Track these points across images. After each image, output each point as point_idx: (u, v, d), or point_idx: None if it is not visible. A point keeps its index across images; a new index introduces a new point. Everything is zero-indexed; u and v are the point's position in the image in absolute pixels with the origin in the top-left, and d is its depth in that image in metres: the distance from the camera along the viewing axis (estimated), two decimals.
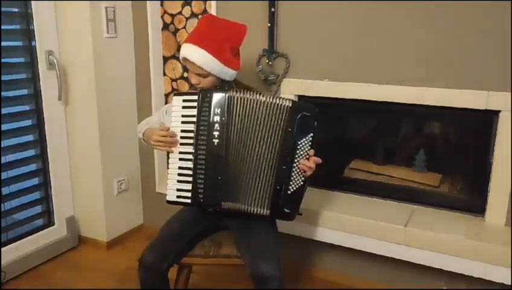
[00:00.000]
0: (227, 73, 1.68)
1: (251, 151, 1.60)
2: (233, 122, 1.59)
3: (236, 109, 1.59)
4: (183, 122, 1.63)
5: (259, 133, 1.59)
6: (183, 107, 1.63)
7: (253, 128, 1.59)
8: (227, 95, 1.59)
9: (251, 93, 1.60)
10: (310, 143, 1.59)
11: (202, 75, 1.67)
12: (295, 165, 1.59)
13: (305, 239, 2.23)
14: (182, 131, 1.63)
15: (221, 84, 1.71)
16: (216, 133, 1.59)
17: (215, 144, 1.60)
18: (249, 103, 1.59)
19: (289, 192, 1.62)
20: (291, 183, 1.61)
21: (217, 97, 1.59)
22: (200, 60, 1.62)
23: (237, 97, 1.59)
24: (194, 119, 1.61)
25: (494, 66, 1.87)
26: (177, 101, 1.64)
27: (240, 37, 1.71)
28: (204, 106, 1.60)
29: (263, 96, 1.59)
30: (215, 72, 1.65)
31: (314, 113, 1.58)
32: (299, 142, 1.58)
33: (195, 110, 1.60)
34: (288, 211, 1.64)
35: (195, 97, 1.61)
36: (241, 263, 1.66)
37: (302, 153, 1.59)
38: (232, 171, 1.62)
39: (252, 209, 1.64)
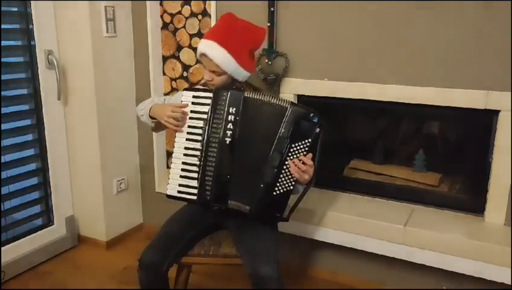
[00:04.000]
0: (241, 74, 1.69)
1: (252, 150, 1.62)
2: (244, 122, 1.60)
3: (248, 109, 1.60)
4: (191, 118, 1.64)
5: (261, 133, 1.61)
6: (193, 103, 1.64)
7: (257, 128, 1.61)
8: (243, 95, 1.60)
9: (261, 94, 1.61)
10: (306, 148, 1.58)
11: (216, 73, 1.67)
12: (285, 167, 1.59)
13: (304, 239, 2.23)
14: (189, 127, 1.64)
15: (233, 84, 1.71)
16: (229, 132, 1.60)
17: (227, 142, 1.61)
18: (258, 104, 1.60)
19: (274, 193, 1.61)
20: (278, 185, 1.61)
21: (233, 96, 1.60)
22: (217, 58, 1.63)
23: (251, 98, 1.60)
24: (204, 116, 1.62)
25: (494, 66, 1.87)
26: (186, 97, 1.66)
27: (260, 41, 1.74)
28: (220, 104, 1.60)
29: (271, 97, 1.60)
30: (229, 71, 1.66)
31: (316, 119, 1.57)
32: (294, 146, 1.58)
33: (207, 107, 1.61)
34: (269, 212, 1.64)
35: (207, 94, 1.62)
36: (241, 262, 1.66)
37: (295, 157, 1.59)
38: (239, 169, 1.63)
39: (240, 205, 1.65)
